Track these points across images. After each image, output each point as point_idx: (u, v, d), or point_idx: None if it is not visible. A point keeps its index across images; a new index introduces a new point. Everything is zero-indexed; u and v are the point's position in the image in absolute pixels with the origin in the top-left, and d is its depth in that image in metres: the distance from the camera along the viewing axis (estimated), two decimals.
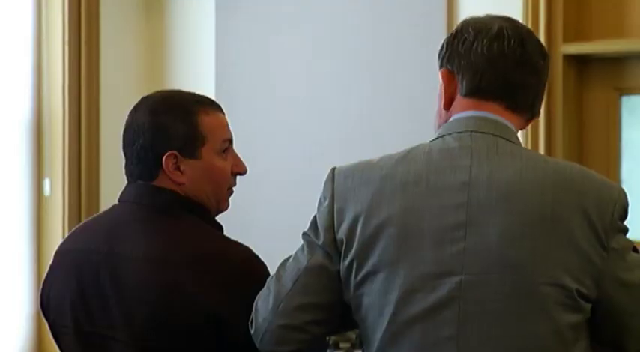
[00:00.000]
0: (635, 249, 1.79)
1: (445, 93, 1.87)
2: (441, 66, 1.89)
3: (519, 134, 1.69)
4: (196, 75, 5.05)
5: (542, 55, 1.87)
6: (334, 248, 1.80)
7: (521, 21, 4.37)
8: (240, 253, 2.01)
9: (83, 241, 2.10)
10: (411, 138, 2.00)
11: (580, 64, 4.57)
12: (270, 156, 4.84)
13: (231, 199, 2.18)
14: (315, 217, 1.86)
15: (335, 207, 1.81)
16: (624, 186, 1.89)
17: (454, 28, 1.90)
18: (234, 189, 2.17)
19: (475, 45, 1.83)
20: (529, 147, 4.43)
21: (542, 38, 4.40)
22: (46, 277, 2.16)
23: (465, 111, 1.83)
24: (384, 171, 1.79)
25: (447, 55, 1.88)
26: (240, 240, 2.06)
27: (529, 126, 4.45)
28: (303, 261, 1.83)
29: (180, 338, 1.95)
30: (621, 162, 4.49)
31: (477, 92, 1.83)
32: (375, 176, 1.79)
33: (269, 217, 4.78)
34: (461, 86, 1.85)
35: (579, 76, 4.58)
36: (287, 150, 4.83)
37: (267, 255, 2.05)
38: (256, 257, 2.02)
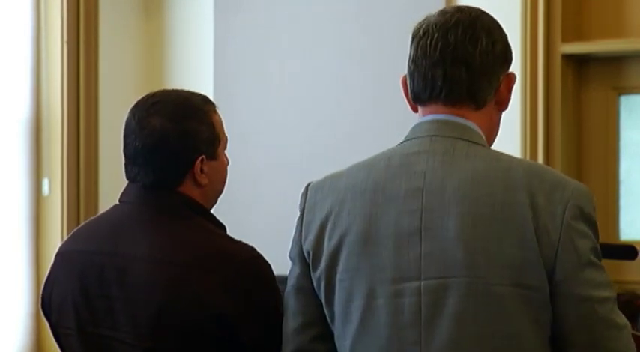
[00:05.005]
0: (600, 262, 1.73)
1: (407, 98, 1.88)
2: None
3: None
4: (195, 75, 5.05)
5: (474, 41, 1.77)
6: (303, 259, 1.83)
7: (520, 21, 4.45)
8: (245, 253, 2.01)
9: (86, 242, 2.08)
10: None
11: (579, 63, 4.57)
12: (269, 155, 4.84)
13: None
14: None
15: (304, 219, 1.84)
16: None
17: None
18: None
19: (411, 50, 1.83)
20: (527, 145, 4.43)
21: (541, 38, 4.41)
22: (48, 278, 2.14)
23: (426, 116, 1.83)
24: (347, 181, 1.81)
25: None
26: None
27: (527, 127, 4.46)
28: (288, 285, 1.86)
29: (186, 339, 1.94)
30: (620, 162, 4.49)
31: (415, 99, 1.84)
32: (340, 186, 1.81)
33: (267, 216, 4.78)
34: None
35: (578, 76, 4.59)
36: (286, 150, 4.83)
37: (266, 254, 2.05)
38: (261, 256, 2.02)
